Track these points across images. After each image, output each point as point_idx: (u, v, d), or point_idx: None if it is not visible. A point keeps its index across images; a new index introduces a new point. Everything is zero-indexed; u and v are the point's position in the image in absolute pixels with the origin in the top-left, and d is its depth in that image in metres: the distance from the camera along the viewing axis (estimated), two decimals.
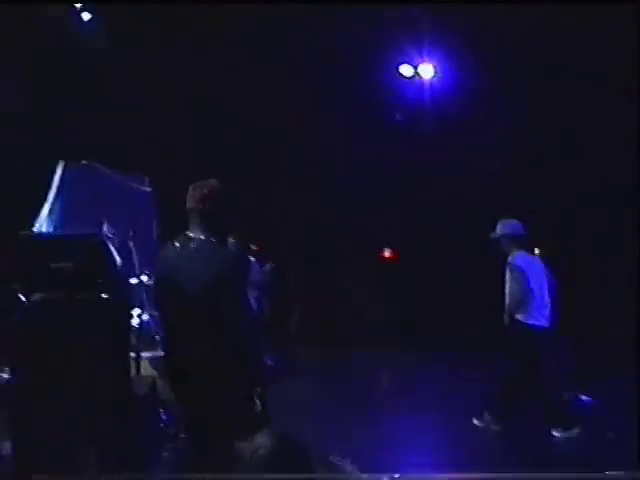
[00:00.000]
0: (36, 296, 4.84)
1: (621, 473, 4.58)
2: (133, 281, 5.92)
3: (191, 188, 4.61)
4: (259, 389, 4.58)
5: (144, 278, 6.26)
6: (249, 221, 6.40)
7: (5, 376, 7.34)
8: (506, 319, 7.82)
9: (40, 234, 5.56)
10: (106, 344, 4.92)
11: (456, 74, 13.22)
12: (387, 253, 17.14)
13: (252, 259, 11.52)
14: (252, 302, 10.86)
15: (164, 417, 6.44)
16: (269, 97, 13.14)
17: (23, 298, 4.86)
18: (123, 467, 5.07)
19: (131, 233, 6.32)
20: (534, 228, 7.94)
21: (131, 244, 6.27)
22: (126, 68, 12.29)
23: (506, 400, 7.72)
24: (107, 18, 11.74)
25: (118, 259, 5.16)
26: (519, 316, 7.75)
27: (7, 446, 6.25)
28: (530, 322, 7.74)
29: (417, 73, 13.64)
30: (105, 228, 5.29)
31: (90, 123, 11.82)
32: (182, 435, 6.01)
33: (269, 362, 11.08)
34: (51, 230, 7.53)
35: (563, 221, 13.23)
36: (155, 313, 6.83)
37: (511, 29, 11.60)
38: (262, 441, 4.29)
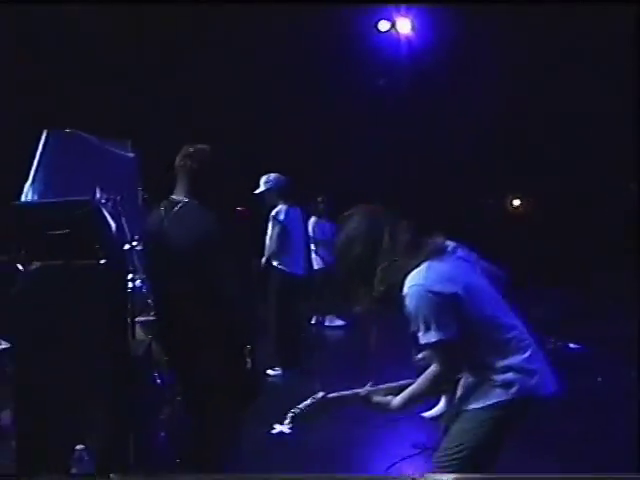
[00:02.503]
0: (34, 264, 4.87)
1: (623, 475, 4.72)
2: (126, 246, 5.92)
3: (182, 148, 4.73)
4: (249, 348, 4.63)
5: (134, 243, 6.26)
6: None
7: (3, 345, 7.41)
8: (263, 265, 8.92)
9: (34, 202, 5.52)
10: (106, 310, 4.97)
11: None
12: None
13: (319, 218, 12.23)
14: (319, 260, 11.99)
15: (159, 381, 6.51)
16: (249, 62, 13.09)
17: (21, 267, 4.88)
18: (126, 429, 5.14)
19: (118, 199, 6.30)
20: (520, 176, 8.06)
21: (120, 210, 6.25)
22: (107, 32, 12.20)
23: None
24: None
25: (113, 224, 5.18)
26: (276, 263, 8.80)
27: (7, 415, 6.36)
28: (287, 270, 8.84)
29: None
30: (98, 194, 5.28)
31: (71, 89, 11.78)
32: (178, 398, 6.09)
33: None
34: (35, 199, 7.50)
35: (549, 169, 13.31)
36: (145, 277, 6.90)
37: None
38: None
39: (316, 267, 12.11)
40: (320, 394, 4.23)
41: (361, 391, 4.23)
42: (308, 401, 4.21)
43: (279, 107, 14.50)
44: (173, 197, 4.71)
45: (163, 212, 4.69)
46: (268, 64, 13.63)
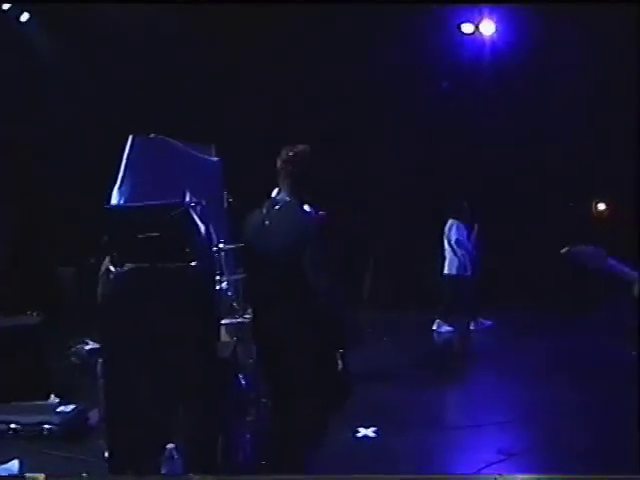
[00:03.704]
0: (126, 267, 4.95)
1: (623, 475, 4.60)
2: (213, 249, 5.99)
3: (282, 151, 4.85)
4: (341, 352, 4.64)
5: (220, 246, 6.32)
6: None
7: (88, 347, 7.56)
8: None
9: (126, 206, 5.63)
10: (195, 311, 5.03)
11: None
12: None
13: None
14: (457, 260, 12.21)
15: (244, 382, 6.56)
16: (338, 61, 13.12)
17: (113, 269, 4.97)
18: (213, 430, 5.18)
19: (204, 202, 6.37)
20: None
21: (206, 213, 6.31)
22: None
23: None
24: None
25: (202, 227, 5.25)
26: None
27: (95, 414, 6.50)
28: None
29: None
30: (188, 197, 5.35)
31: (155, 96, 11.99)
32: (263, 400, 6.14)
33: None
34: (123, 202, 7.65)
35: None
36: (232, 279, 6.97)
37: None
38: None
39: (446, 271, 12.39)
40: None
41: None
42: None
43: (363, 109, 14.45)
44: (275, 197, 4.86)
45: (265, 211, 4.83)
46: (358, 65, 13.61)
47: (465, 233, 12.32)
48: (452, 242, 12.25)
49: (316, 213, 5.55)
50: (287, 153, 4.86)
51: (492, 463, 6.06)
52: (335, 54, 13.19)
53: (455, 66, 13.96)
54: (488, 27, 13.46)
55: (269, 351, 4.99)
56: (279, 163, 4.87)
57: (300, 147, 4.89)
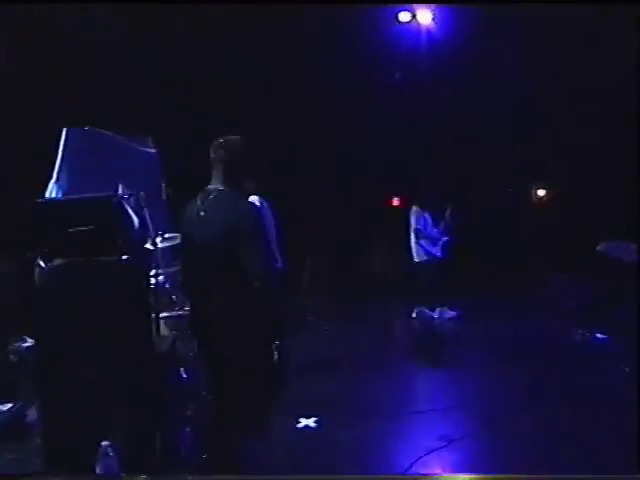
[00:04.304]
0: (57, 261, 4.87)
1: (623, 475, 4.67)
2: (148, 242, 5.92)
3: (215, 142, 4.86)
4: (278, 343, 4.66)
5: (157, 239, 6.26)
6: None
7: (26, 344, 7.43)
8: None
9: (57, 199, 5.54)
10: (129, 306, 4.96)
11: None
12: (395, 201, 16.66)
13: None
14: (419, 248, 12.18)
15: (185, 376, 6.51)
16: (267, 52, 13.05)
17: (43, 264, 4.88)
18: (151, 425, 5.13)
19: (142, 194, 6.30)
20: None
21: (142, 205, 6.25)
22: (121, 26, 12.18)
23: None
24: None
25: (136, 220, 5.18)
26: None
27: (33, 412, 6.38)
28: None
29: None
30: (120, 190, 5.27)
31: (89, 87, 11.78)
32: (203, 393, 6.10)
33: None
34: (60, 196, 7.54)
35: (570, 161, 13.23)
36: (170, 272, 6.92)
37: None
38: None
39: (417, 259, 12.36)
40: None
41: None
42: None
43: (297, 102, 14.44)
44: (209, 187, 4.83)
45: (200, 202, 4.80)
46: (287, 57, 13.56)
47: (427, 220, 12.31)
48: (411, 230, 12.28)
49: (251, 201, 5.54)
50: (216, 143, 4.86)
51: (433, 450, 6.09)
52: (271, 44, 13.12)
53: (393, 55, 14.00)
54: (425, 16, 13.50)
55: (207, 342, 4.96)
56: (211, 152, 4.86)
57: (230, 137, 4.88)
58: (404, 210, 13.03)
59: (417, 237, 12.28)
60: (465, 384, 8.17)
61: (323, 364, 8.96)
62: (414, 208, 12.39)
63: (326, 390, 7.89)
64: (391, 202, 16.48)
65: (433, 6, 13.36)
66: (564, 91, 13.35)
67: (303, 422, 6.82)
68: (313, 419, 6.86)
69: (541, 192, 15.64)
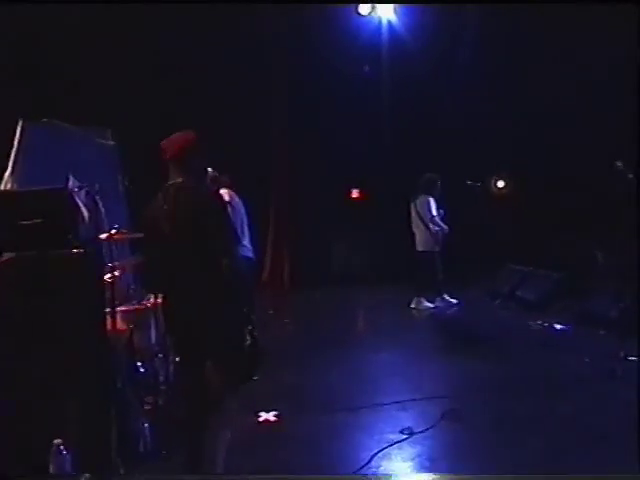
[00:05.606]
0: (6, 256, 4.78)
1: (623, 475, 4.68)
2: (103, 235, 5.83)
3: (166, 140, 4.90)
4: (249, 325, 4.72)
5: (113, 232, 6.17)
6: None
7: None
8: None
9: (5, 192, 5.43)
10: (81, 300, 4.88)
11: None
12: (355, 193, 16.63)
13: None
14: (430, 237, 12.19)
15: (142, 369, 6.45)
16: (232, 47, 12.99)
17: None
18: (106, 421, 5.06)
19: (97, 187, 6.21)
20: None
21: (97, 198, 6.15)
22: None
23: None
24: None
25: (86, 213, 5.10)
26: None
27: None
28: None
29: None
30: (71, 183, 5.18)
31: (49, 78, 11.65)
32: (162, 387, 6.04)
33: None
34: (14, 189, 7.42)
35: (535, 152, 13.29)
36: (128, 265, 6.84)
37: None
38: None
39: (423, 248, 12.32)
40: None
41: None
42: None
43: (262, 95, 14.43)
44: (169, 182, 4.85)
45: (161, 195, 4.83)
46: (249, 54, 13.53)
47: (440, 210, 12.33)
48: (426, 219, 12.18)
49: (211, 194, 5.51)
50: (163, 142, 4.89)
51: (395, 442, 6.07)
52: (230, 39, 13.07)
53: (354, 47, 14.02)
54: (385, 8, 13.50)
55: (178, 333, 4.95)
56: (167, 153, 4.88)
57: (175, 135, 4.91)
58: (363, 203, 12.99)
59: (435, 225, 12.21)
60: (425, 374, 8.20)
61: (282, 357, 8.90)
62: (424, 197, 12.31)
63: (287, 383, 7.87)
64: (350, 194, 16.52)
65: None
66: (526, 80, 13.42)
67: (263, 416, 6.78)
68: (273, 412, 6.82)
69: (500, 183, 15.68)
